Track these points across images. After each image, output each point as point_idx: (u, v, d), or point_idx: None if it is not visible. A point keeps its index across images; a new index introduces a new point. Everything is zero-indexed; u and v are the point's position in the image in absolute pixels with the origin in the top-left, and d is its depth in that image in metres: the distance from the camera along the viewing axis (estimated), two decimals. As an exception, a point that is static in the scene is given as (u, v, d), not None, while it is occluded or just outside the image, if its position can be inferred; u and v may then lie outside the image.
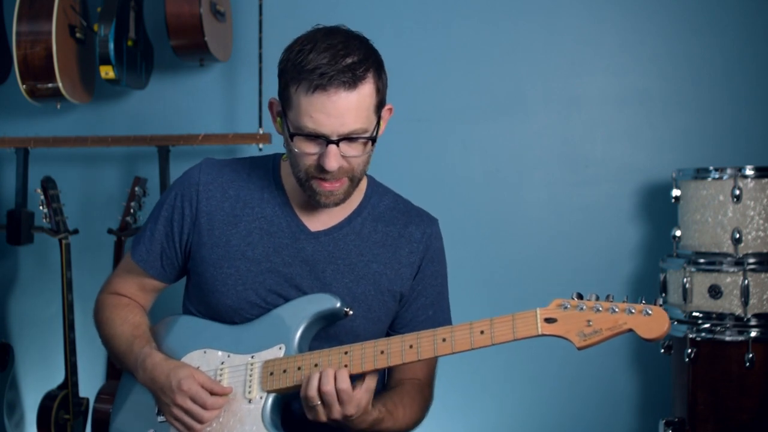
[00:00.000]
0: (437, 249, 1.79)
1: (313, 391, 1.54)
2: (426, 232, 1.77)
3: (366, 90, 1.57)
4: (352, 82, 1.54)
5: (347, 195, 1.66)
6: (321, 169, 1.59)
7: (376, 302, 1.72)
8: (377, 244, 1.73)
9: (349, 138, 1.57)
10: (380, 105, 1.62)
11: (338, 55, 1.54)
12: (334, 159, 1.57)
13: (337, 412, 1.54)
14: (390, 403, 1.68)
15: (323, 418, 1.56)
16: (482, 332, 1.52)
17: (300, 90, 1.55)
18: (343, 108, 1.54)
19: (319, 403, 1.54)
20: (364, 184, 1.77)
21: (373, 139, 1.61)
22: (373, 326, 1.72)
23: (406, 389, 1.74)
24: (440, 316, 1.79)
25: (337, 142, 1.56)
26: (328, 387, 1.53)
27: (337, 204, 1.66)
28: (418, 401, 1.74)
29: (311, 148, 1.59)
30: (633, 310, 1.45)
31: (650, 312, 1.45)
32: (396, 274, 1.73)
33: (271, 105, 1.68)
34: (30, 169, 3.18)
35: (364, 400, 1.55)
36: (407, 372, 1.74)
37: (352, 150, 1.59)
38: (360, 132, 1.58)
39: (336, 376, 1.54)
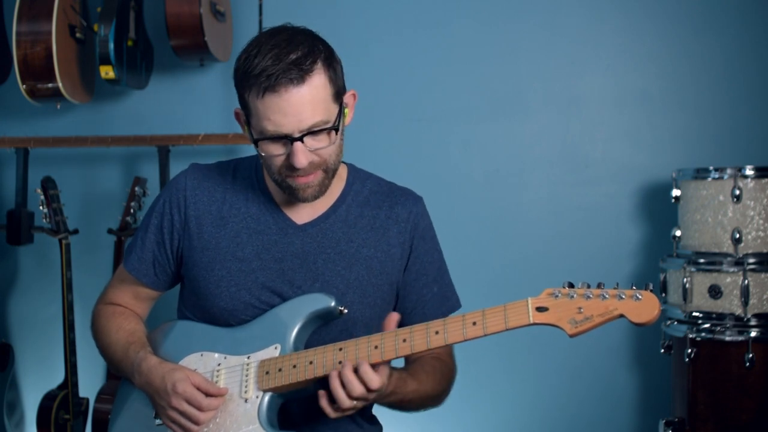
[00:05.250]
0: (426, 226, 1.80)
1: (346, 402, 1.53)
2: (412, 211, 1.78)
3: (316, 81, 1.57)
4: (300, 77, 1.55)
5: (324, 187, 1.66)
6: (293, 168, 1.60)
7: (370, 287, 1.72)
8: (365, 229, 1.74)
9: (311, 132, 1.58)
10: (339, 93, 1.63)
11: (282, 53, 1.55)
12: (302, 156, 1.58)
13: (372, 399, 1.56)
14: (411, 370, 1.68)
15: (360, 406, 1.56)
16: (474, 323, 1.52)
17: (252, 95, 1.57)
18: (298, 104, 1.55)
19: (355, 403, 1.54)
20: (344, 172, 1.78)
21: (336, 129, 1.61)
22: (369, 311, 1.72)
23: (425, 359, 1.74)
24: (446, 291, 1.80)
25: (300, 139, 1.57)
26: (359, 392, 1.52)
27: (316, 197, 1.66)
28: (440, 368, 1.74)
29: (278, 150, 1.60)
30: (623, 296, 1.45)
31: (640, 297, 1.45)
32: (387, 255, 1.74)
33: (237, 115, 1.70)
34: (30, 169, 3.18)
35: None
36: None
37: (318, 143, 1.60)
38: (321, 124, 1.58)
39: (362, 377, 1.52)
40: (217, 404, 1.63)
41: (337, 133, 1.62)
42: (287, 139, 1.58)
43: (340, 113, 1.63)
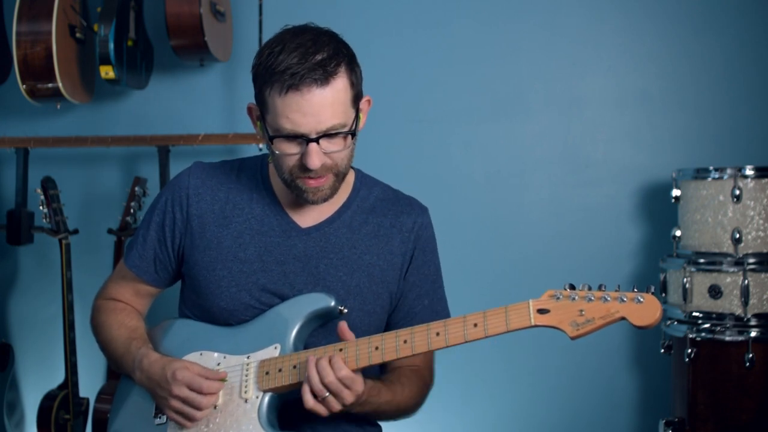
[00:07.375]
0: (428, 238, 1.79)
1: (318, 386, 1.53)
2: (417, 222, 1.77)
3: (339, 85, 1.57)
4: (324, 78, 1.54)
5: (334, 190, 1.66)
6: (304, 168, 1.59)
7: (370, 294, 1.71)
8: (369, 236, 1.73)
9: (328, 134, 1.57)
10: (357, 98, 1.63)
11: (308, 53, 1.55)
12: (316, 157, 1.57)
13: (347, 397, 1.54)
14: (386, 380, 1.68)
15: (336, 407, 1.55)
16: (476, 325, 1.52)
17: (274, 92, 1.56)
18: (318, 105, 1.55)
19: (328, 394, 1.53)
20: (351, 178, 1.78)
21: (352, 133, 1.61)
22: (368, 318, 1.72)
23: (403, 371, 1.73)
24: (437, 305, 1.79)
25: (316, 140, 1.57)
26: (330, 378, 1.52)
27: (325, 200, 1.66)
28: (416, 381, 1.74)
29: (292, 149, 1.59)
30: (625, 299, 1.45)
31: (642, 300, 1.45)
32: (388, 264, 1.73)
33: (249, 110, 1.69)
34: (30, 169, 3.18)
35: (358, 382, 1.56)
36: (404, 360, 1.71)
37: (333, 146, 1.60)
38: (338, 127, 1.58)
39: (332, 366, 1.53)
40: (217, 388, 1.63)
41: (352, 138, 1.62)
42: (303, 139, 1.57)
43: (356, 118, 1.63)
